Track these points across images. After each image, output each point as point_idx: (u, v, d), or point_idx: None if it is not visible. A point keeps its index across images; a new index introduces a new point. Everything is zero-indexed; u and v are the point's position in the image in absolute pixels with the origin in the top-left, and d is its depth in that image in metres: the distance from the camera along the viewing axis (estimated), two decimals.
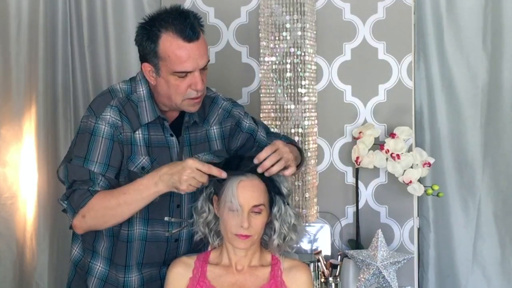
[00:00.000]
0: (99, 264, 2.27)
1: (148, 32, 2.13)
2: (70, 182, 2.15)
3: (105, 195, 2.11)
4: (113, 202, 2.09)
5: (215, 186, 2.14)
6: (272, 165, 2.07)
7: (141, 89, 2.23)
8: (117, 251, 2.24)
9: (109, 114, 2.16)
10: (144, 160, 2.19)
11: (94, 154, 2.14)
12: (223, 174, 2.05)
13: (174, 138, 2.24)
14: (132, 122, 2.19)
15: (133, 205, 2.10)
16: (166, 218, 2.22)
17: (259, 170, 2.07)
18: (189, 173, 2.01)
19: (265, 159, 2.07)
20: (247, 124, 2.37)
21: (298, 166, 2.27)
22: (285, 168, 2.10)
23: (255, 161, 2.07)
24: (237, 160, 2.12)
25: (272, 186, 2.11)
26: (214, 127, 2.34)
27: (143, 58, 2.19)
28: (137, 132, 2.19)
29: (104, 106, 2.17)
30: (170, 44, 2.11)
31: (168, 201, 2.23)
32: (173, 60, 2.11)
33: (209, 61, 2.19)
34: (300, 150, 2.34)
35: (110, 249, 2.25)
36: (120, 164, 2.17)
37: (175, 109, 2.24)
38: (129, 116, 2.18)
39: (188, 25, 2.11)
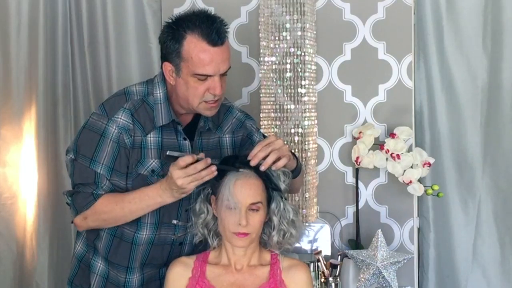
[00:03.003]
0: (100, 262, 2.28)
1: (174, 32, 2.14)
2: (75, 183, 2.18)
3: (109, 200, 2.13)
4: (118, 209, 2.13)
5: (213, 186, 2.15)
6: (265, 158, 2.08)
7: (158, 92, 2.23)
8: (119, 251, 2.24)
9: (120, 117, 2.17)
10: (154, 163, 2.19)
11: (101, 155, 2.16)
12: (208, 161, 2.03)
13: (187, 142, 2.24)
14: (144, 125, 2.19)
15: (137, 212, 2.15)
16: (174, 221, 2.24)
17: (252, 163, 2.08)
18: (180, 178, 2.01)
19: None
20: (257, 139, 2.38)
21: (294, 171, 2.26)
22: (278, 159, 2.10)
23: (249, 158, 2.09)
24: (233, 159, 2.14)
25: (269, 182, 2.11)
26: (227, 135, 2.35)
27: (164, 57, 2.19)
28: (149, 135, 2.20)
29: (118, 108, 2.19)
30: (195, 46, 2.12)
31: (178, 205, 2.24)
32: (195, 62, 2.12)
33: (230, 67, 2.19)
34: (297, 160, 2.32)
35: (108, 248, 2.25)
36: (127, 169, 2.19)
37: (191, 111, 2.24)
38: (141, 120, 2.19)
39: (214, 29, 2.12)
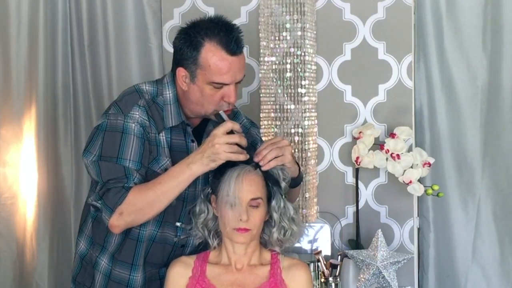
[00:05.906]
0: (104, 260, 2.27)
1: (191, 39, 2.13)
2: (104, 181, 2.13)
3: (140, 188, 2.10)
4: (151, 194, 2.08)
5: (212, 185, 2.15)
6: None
7: (168, 93, 2.22)
8: (124, 248, 2.24)
9: (137, 113, 2.15)
10: (167, 161, 2.18)
11: (126, 152, 2.12)
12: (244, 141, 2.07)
13: (195, 144, 2.23)
14: (157, 123, 2.18)
15: (170, 193, 2.09)
16: (178, 224, 2.24)
17: (256, 160, 2.09)
18: (220, 142, 2.02)
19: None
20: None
21: (296, 179, 2.26)
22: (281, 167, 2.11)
23: (255, 155, 2.10)
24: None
25: (269, 179, 2.12)
26: None
27: (179, 63, 2.17)
28: (161, 134, 2.19)
29: (132, 105, 2.17)
30: (213, 54, 2.11)
31: (182, 205, 2.24)
32: (213, 71, 2.11)
33: (244, 75, 2.19)
34: (299, 170, 2.31)
35: (119, 245, 2.25)
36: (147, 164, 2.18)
37: (202, 116, 2.24)
38: (154, 118, 2.18)
39: (233, 38, 2.12)
